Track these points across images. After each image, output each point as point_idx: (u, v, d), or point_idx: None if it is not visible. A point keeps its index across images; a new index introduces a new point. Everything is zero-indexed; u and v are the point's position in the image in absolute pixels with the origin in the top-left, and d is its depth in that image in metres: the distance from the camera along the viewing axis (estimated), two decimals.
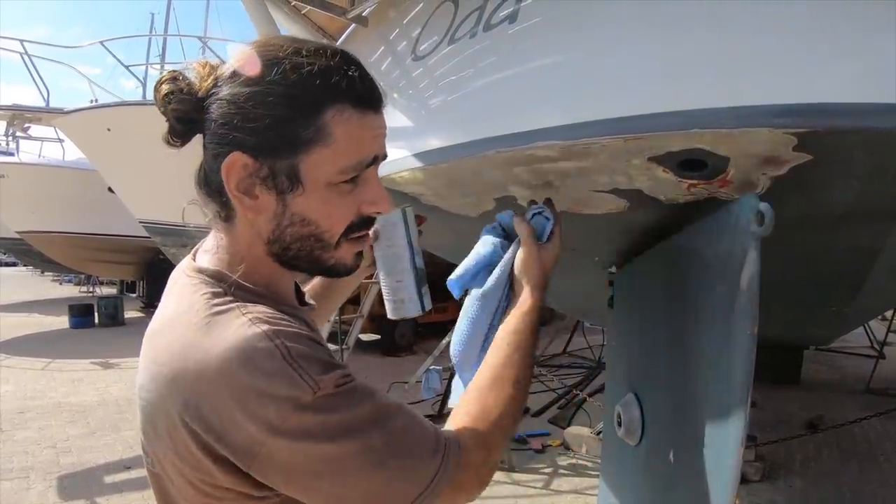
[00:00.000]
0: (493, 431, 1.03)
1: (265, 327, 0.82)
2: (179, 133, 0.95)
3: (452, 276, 1.49)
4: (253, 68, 0.88)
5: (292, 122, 0.87)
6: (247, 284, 0.93)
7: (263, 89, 0.87)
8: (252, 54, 0.89)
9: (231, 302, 0.88)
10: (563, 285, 4.26)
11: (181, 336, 0.86)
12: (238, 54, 0.92)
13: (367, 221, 0.99)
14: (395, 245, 1.34)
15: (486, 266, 1.46)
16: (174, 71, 0.96)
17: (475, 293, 1.45)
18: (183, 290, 0.94)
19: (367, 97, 0.92)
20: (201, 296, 0.90)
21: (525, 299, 1.27)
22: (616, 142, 1.73)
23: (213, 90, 0.90)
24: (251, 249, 0.96)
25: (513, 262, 1.38)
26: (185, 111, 0.93)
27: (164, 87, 0.94)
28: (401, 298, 1.36)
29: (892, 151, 1.62)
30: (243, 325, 0.83)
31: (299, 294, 1.14)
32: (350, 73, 0.89)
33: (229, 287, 0.91)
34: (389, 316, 1.42)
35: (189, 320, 0.87)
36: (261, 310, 0.87)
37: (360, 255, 1.02)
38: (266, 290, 0.96)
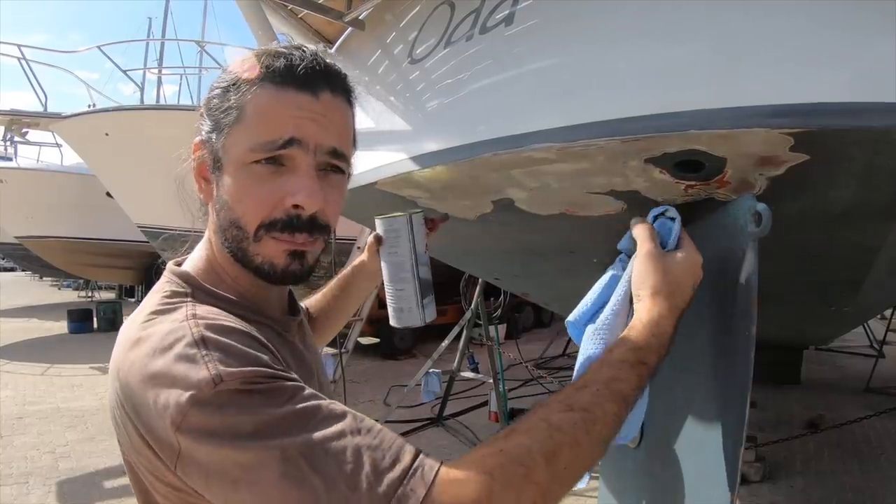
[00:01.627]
0: (536, 470, 0.74)
1: (195, 321, 0.80)
2: None
3: (570, 318, 1.33)
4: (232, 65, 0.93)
5: (221, 102, 0.89)
6: (212, 288, 0.92)
7: (222, 79, 0.92)
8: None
9: (186, 297, 0.89)
10: (562, 287, 4.27)
11: (129, 330, 0.86)
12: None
13: (299, 221, 0.89)
14: (398, 253, 1.31)
15: (606, 301, 1.25)
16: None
17: (589, 330, 1.25)
18: (155, 287, 0.95)
19: (288, 74, 0.86)
20: (161, 294, 0.90)
21: (641, 313, 1.06)
22: (613, 143, 1.73)
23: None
24: (217, 244, 0.96)
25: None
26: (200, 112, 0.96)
27: None
28: (401, 307, 1.33)
29: (889, 150, 1.62)
30: (178, 319, 0.81)
31: (291, 300, 1.11)
32: (280, 52, 0.88)
33: (191, 288, 0.91)
34: (391, 323, 1.38)
35: (142, 316, 0.87)
36: (207, 309, 0.85)
37: (295, 256, 0.91)
38: (236, 294, 0.94)
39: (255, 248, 0.90)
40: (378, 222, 1.36)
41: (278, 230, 0.88)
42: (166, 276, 0.95)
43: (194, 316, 0.82)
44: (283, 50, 0.88)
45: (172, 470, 0.76)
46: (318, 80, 0.88)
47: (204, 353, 0.75)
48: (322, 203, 0.89)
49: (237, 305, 0.91)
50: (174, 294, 0.90)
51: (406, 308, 1.32)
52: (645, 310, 1.07)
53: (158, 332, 0.80)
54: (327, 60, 0.91)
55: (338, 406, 0.77)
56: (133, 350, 0.81)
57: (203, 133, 0.92)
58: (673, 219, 1.29)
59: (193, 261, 0.98)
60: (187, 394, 0.72)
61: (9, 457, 5.76)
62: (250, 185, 0.87)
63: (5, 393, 8.15)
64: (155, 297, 0.91)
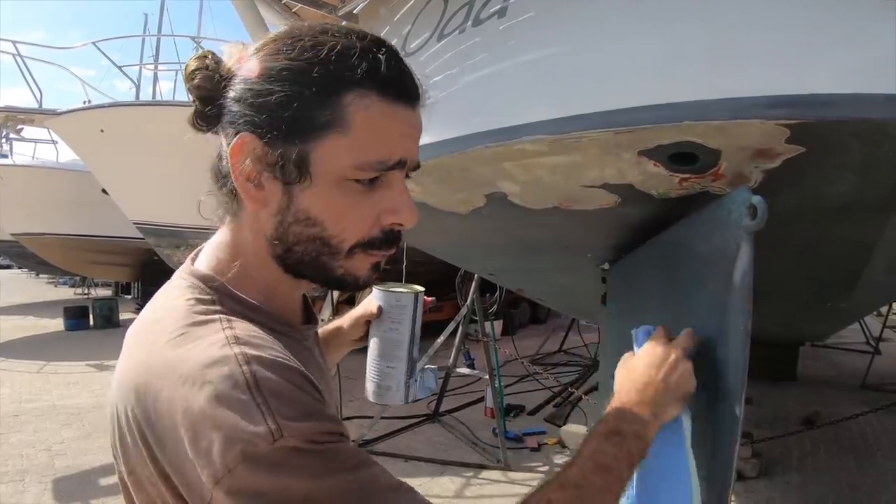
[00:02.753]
0: None
1: (240, 349, 0.72)
2: (203, 115, 0.84)
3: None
4: (274, 44, 0.80)
5: (306, 101, 0.76)
6: (238, 294, 0.84)
7: (279, 65, 0.78)
8: (278, 31, 0.83)
9: (215, 313, 0.79)
10: (557, 283, 4.26)
11: (153, 343, 0.78)
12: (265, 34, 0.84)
13: (392, 237, 0.84)
14: (399, 330, 1.25)
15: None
16: (206, 51, 0.86)
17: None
18: (171, 291, 0.86)
19: (396, 85, 0.79)
20: (185, 301, 0.82)
21: (599, 423, 1.06)
22: (605, 135, 1.72)
23: (237, 68, 0.82)
24: (254, 249, 0.86)
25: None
26: (206, 89, 0.82)
27: (191, 64, 0.84)
28: (388, 385, 1.28)
29: (887, 142, 1.61)
30: (218, 343, 0.73)
31: (307, 308, 1.02)
32: (378, 55, 0.78)
33: (218, 295, 0.83)
34: (370, 398, 1.33)
35: (166, 327, 0.78)
36: (245, 328, 0.77)
37: (376, 267, 0.87)
38: (262, 300, 0.86)
39: (342, 263, 0.83)
40: (381, 294, 1.29)
41: (376, 248, 0.84)
42: (186, 278, 0.87)
43: (236, 340, 0.73)
44: (373, 48, 0.78)
45: None
46: (414, 91, 0.82)
47: (259, 399, 0.67)
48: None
49: (261, 313, 0.84)
50: (199, 302, 0.82)
51: (394, 386, 1.28)
52: (605, 419, 1.08)
53: (196, 359, 0.71)
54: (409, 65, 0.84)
55: (391, 478, 0.73)
56: (164, 373, 0.73)
57: (258, 130, 0.79)
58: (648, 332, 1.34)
59: (213, 261, 0.89)
60: (237, 447, 0.65)
61: (5, 454, 5.73)
62: (351, 204, 0.80)
63: (1, 390, 8.12)
64: (177, 303, 0.82)
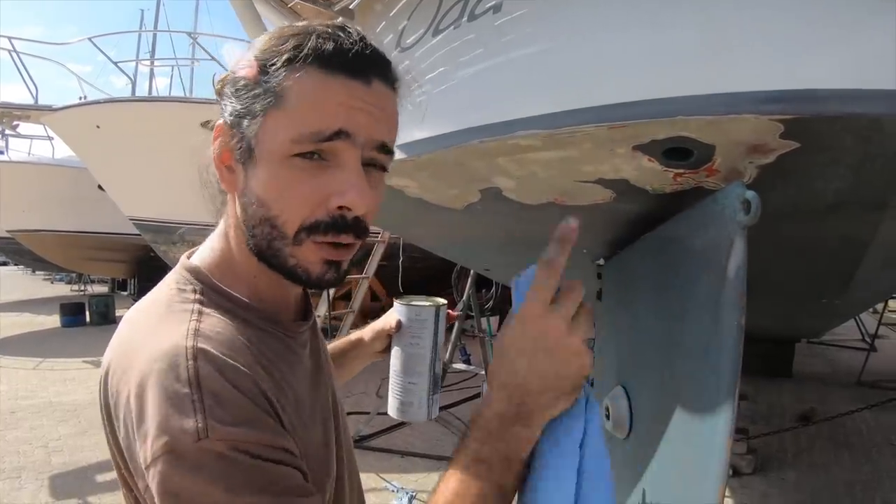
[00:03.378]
0: None
1: (193, 343, 0.72)
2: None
3: None
4: (257, 42, 0.82)
5: (255, 83, 0.78)
6: (225, 289, 0.84)
7: (246, 56, 0.81)
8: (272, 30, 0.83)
9: (192, 303, 0.80)
10: None
11: (128, 331, 0.81)
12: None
13: (341, 222, 0.79)
14: (420, 345, 1.21)
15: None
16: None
17: None
18: (162, 282, 0.88)
19: (338, 58, 0.76)
20: (168, 291, 0.84)
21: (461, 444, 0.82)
22: (600, 130, 1.72)
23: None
24: (236, 238, 0.86)
25: None
26: (217, 92, 0.85)
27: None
28: (410, 401, 1.23)
29: (881, 138, 1.61)
30: (177, 335, 0.73)
31: (306, 304, 1.00)
32: (327, 33, 0.77)
33: (201, 286, 0.83)
34: (391, 414, 1.27)
35: (147, 315, 0.81)
36: (213, 323, 0.77)
37: (332, 265, 0.82)
38: (248, 294, 0.85)
39: (292, 251, 0.80)
40: (402, 308, 1.24)
41: (321, 232, 0.79)
42: (177, 269, 0.88)
43: (196, 333, 0.74)
44: (327, 30, 0.78)
45: (141, 493, 0.72)
46: (370, 66, 0.79)
47: (196, 395, 0.67)
48: (369, 203, 0.79)
49: (245, 308, 0.84)
50: (181, 291, 0.83)
51: (415, 403, 1.22)
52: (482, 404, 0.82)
53: (156, 346, 0.72)
54: (375, 45, 0.81)
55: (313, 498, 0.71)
56: (127, 358, 0.75)
57: (227, 116, 0.81)
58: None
59: (206, 254, 0.89)
60: (164, 438, 0.65)
61: (1, 452, 5.72)
62: (290, 181, 0.77)
63: None
64: (162, 292, 0.84)
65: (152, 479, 0.66)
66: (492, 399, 0.79)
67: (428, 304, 1.23)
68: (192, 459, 0.64)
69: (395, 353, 1.24)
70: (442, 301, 1.26)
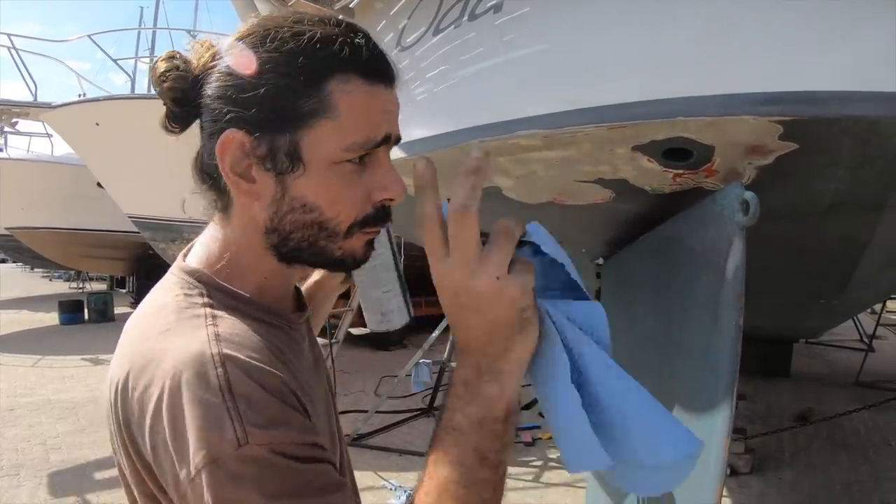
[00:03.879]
0: None
1: (220, 349, 0.72)
2: (177, 116, 0.84)
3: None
4: (251, 37, 0.79)
5: (292, 92, 0.77)
6: (229, 287, 0.84)
7: (262, 57, 0.77)
8: (251, 23, 0.81)
9: (202, 307, 0.80)
10: None
11: (139, 338, 0.79)
12: (239, 27, 0.82)
13: (384, 213, 0.84)
14: (383, 255, 1.25)
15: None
16: (172, 51, 0.85)
17: None
18: (163, 287, 0.86)
19: (375, 68, 0.80)
20: (174, 296, 0.82)
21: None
22: (600, 130, 1.72)
23: (212, 65, 0.81)
24: (248, 243, 0.85)
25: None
26: (181, 90, 0.82)
27: (161, 66, 0.84)
28: (390, 309, 1.29)
29: (879, 140, 1.62)
30: (198, 340, 0.74)
31: (299, 297, 1.02)
32: (356, 40, 0.78)
33: (206, 288, 0.83)
34: (375, 329, 1.33)
35: (153, 322, 0.80)
36: (229, 325, 0.78)
37: (370, 243, 0.88)
38: (255, 292, 0.85)
39: (340, 244, 0.83)
40: None
41: (371, 224, 0.83)
42: (176, 273, 0.87)
43: (217, 338, 0.74)
44: (348, 33, 0.78)
45: None
46: (390, 70, 0.82)
47: (230, 403, 0.67)
48: None
49: (252, 304, 0.84)
50: (187, 297, 0.82)
51: (395, 308, 1.29)
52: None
53: (179, 354, 0.72)
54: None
55: (349, 496, 0.71)
56: (148, 368, 0.74)
57: (244, 125, 0.78)
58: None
59: (204, 256, 0.88)
60: (203, 451, 0.66)
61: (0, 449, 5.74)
62: (345, 185, 0.80)
63: None
64: (167, 299, 0.83)
65: (198, 493, 0.66)
66: (457, 366, 0.76)
67: None
68: (235, 468, 0.65)
69: (360, 272, 1.23)
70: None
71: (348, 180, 0.80)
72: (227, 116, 0.78)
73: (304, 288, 1.34)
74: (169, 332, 0.77)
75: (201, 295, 0.82)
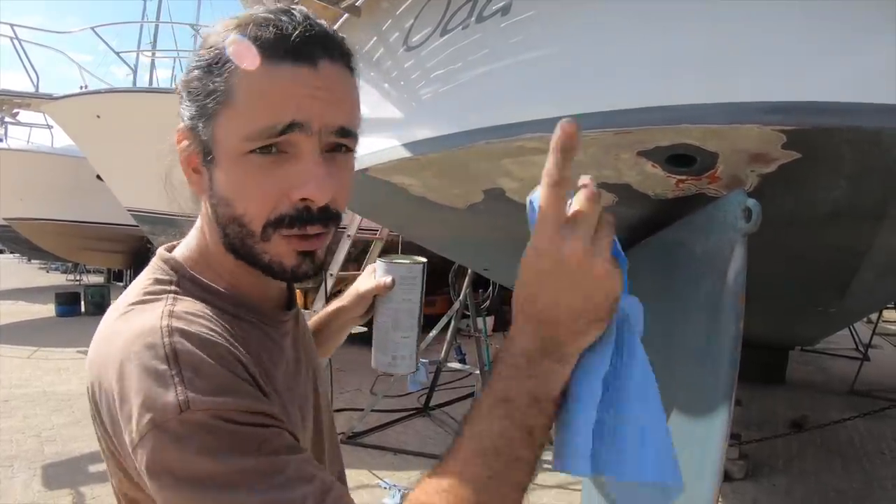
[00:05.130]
0: None
1: (168, 322, 0.72)
2: None
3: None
4: (204, 39, 0.81)
5: (204, 84, 0.76)
6: (199, 278, 0.84)
7: (197, 53, 0.79)
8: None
9: (168, 292, 0.80)
10: None
11: (110, 321, 0.80)
12: None
13: (307, 215, 0.78)
14: (412, 300, 1.25)
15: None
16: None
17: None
18: (144, 272, 0.87)
19: (279, 44, 0.73)
20: (146, 280, 0.84)
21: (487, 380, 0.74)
22: (605, 135, 1.73)
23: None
24: (211, 235, 0.85)
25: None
26: (178, 93, 0.84)
27: None
28: (402, 355, 1.27)
29: (880, 151, 1.63)
30: (153, 317, 0.73)
31: (290, 297, 1.00)
32: (266, 21, 0.74)
33: (177, 276, 0.84)
34: (381, 370, 1.31)
35: (124, 304, 0.81)
36: (188, 306, 0.78)
37: (306, 256, 0.81)
38: (226, 286, 0.85)
39: (262, 247, 0.79)
40: (392, 267, 1.27)
41: (286, 226, 0.77)
42: (154, 261, 0.88)
43: (171, 314, 0.74)
44: (269, 16, 0.75)
45: (133, 479, 0.74)
46: (315, 48, 0.75)
47: (174, 370, 0.67)
48: (333, 192, 0.77)
49: (223, 297, 0.84)
50: (157, 282, 0.83)
51: (407, 355, 1.28)
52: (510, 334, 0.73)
53: (132, 330, 0.73)
54: (321, 23, 0.78)
55: (309, 468, 0.69)
56: (105, 346, 0.75)
57: (186, 119, 0.80)
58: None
59: (184, 248, 0.90)
60: (148, 416, 0.66)
61: None
62: (249, 179, 0.76)
63: None
64: (139, 283, 0.84)
65: (141, 459, 0.66)
66: (516, 334, 0.71)
67: (414, 261, 1.29)
68: (177, 432, 0.65)
69: (386, 311, 1.27)
70: (423, 259, 1.29)
71: (257, 174, 0.76)
72: (181, 114, 0.81)
73: (321, 314, 1.37)
74: (130, 313, 0.78)
75: (170, 282, 0.83)
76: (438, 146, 2.23)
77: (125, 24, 16.48)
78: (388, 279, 1.27)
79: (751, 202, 1.45)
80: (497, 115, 2.01)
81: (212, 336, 0.73)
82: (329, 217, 0.80)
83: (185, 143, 0.81)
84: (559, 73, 1.90)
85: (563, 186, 0.66)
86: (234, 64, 0.74)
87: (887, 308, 9.19)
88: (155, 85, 13.17)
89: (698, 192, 1.87)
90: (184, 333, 0.71)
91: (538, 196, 0.70)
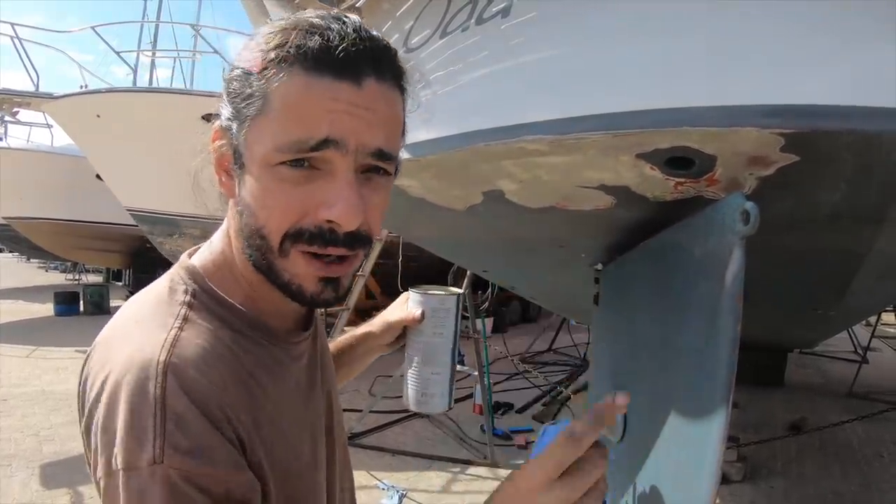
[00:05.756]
0: None
1: (168, 358, 0.70)
2: None
3: None
4: (248, 41, 0.78)
5: (243, 87, 0.74)
6: (216, 291, 0.81)
7: (241, 54, 0.77)
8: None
9: (182, 305, 0.78)
10: (549, 282, 4.27)
11: (119, 323, 0.79)
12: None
13: (328, 236, 0.74)
14: (443, 334, 1.18)
15: None
16: None
17: None
18: (163, 277, 0.85)
19: (322, 56, 0.70)
20: (161, 288, 0.82)
21: None
22: (604, 137, 1.74)
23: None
24: (236, 244, 0.82)
25: None
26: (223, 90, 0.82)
27: None
28: (432, 392, 1.19)
29: (878, 154, 1.63)
30: (155, 344, 0.71)
31: (309, 316, 0.96)
32: (313, 28, 0.71)
33: (195, 287, 0.81)
34: (411, 407, 1.23)
35: (135, 310, 0.80)
36: (198, 332, 0.75)
37: (328, 283, 0.77)
38: (243, 300, 0.82)
39: (282, 264, 0.75)
40: (425, 298, 1.20)
41: (305, 241, 0.73)
42: (176, 267, 0.85)
43: (174, 344, 0.72)
44: (319, 22, 0.71)
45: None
46: (362, 63, 0.72)
47: (158, 418, 0.66)
48: (362, 217, 0.73)
49: (238, 315, 0.81)
50: (172, 292, 0.80)
51: (438, 393, 1.19)
52: None
53: (133, 349, 0.71)
54: (373, 34, 0.74)
55: None
56: (108, 350, 0.74)
57: (223, 120, 0.77)
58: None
59: (206, 255, 0.86)
60: (121, 455, 0.66)
61: None
62: (276, 191, 0.73)
63: None
64: (156, 289, 0.82)
65: (104, 492, 0.67)
66: None
67: (448, 293, 1.21)
68: (142, 482, 0.64)
69: (416, 344, 1.20)
70: (459, 290, 1.24)
71: (285, 187, 0.72)
72: (220, 108, 0.79)
73: (348, 336, 1.31)
74: (138, 323, 0.77)
75: (185, 293, 0.80)
76: (438, 148, 2.23)
77: (126, 24, 16.45)
78: (419, 312, 1.20)
79: (749, 205, 1.45)
80: (497, 116, 2.01)
81: (209, 379, 0.71)
82: (358, 240, 0.76)
83: (220, 142, 0.79)
84: (559, 75, 1.90)
85: (577, 444, 0.68)
86: (273, 70, 0.71)
87: (886, 311, 9.19)
88: (155, 85, 13.16)
89: (697, 194, 1.87)
90: (179, 376, 0.69)
91: (551, 431, 0.72)
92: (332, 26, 0.71)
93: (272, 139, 0.71)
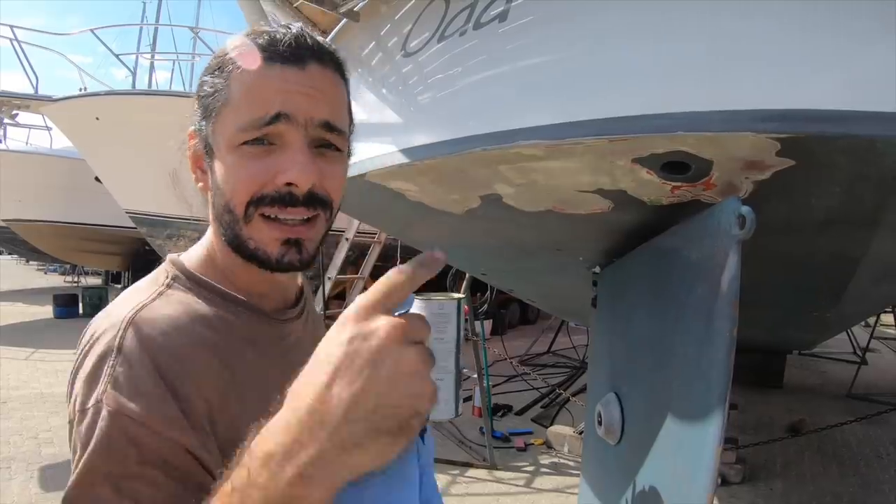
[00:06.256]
0: None
1: (133, 314, 0.77)
2: None
3: None
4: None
5: (210, 86, 0.86)
6: (195, 273, 0.89)
7: (208, 65, 0.89)
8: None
9: (161, 286, 0.85)
10: (548, 285, 4.28)
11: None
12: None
13: (287, 197, 0.82)
14: (445, 339, 1.14)
15: None
16: None
17: None
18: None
19: (272, 47, 0.82)
20: (145, 278, 0.90)
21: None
22: (601, 142, 1.74)
23: None
24: (215, 234, 0.90)
25: None
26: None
27: None
28: (438, 399, 1.21)
29: (874, 159, 1.64)
30: (130, 305, 0.79)
31: (299, 297, 1.02)
32: (264, 32, 0.83)
33: (175, 272, 0.88)
34: None
35: (118, 297, 0.86)
36: (167, 303, 0.82)
37: (292, 245, 0.84)
38: (224, 282, 0.89)
39: (247, 232, 0.83)
40: (424, 304, 1.15)
41: (267, 204, 0.81)
42: (164, 262, 0.93)
43: (141, 307, 0.79)
44: (269, 28, 0.84)
45: None
46: (305, 53, 0.83)
47: (111, 362, 0.72)
48: (317, 177, 0.82)
49: (219, 293, 0.87)
50: (154, 280, 0.88)
51: (443, 400, 1.21)
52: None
53: (104, 320, 0.79)
54: (315, 36, 0.86)
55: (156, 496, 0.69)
56: (88, 328, 0.81)
57: (195, 122, 0.89)
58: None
59: (192, 251, 0.95)
60: (78, 399, 0.73)
61: None
62: (239, 166, 0.82)
63: None
64: (143, 279, 0.90)
65: (71, 435, 0.73)
66: (268, 426, 0.58)
67: (448, 298, 1.22)
68: (87, 422, 0.70)
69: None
70: (461, 295, 1.25)
71: (247, 161, 0.82)
72: (193, 115, 0.89)
73: None
74: (120, 301, 0.83)
75: (167, 276, 0.88)
76: (436, 152, 2.24)
77: (125, 27, 16.45)
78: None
79: (745, 209, 1.46)
80: (494, 121, 2.01)
81: (164, 339, 0.76)
82: (316, 200, 0.84)
83: (193, 142, 0.90)
84: (556, 80, 1.91)
85: (400, 279, 0.59)
86: (233, 66, 0.83)
87: (885, 312, 9.20)
88: (154, 87, 13.16)
89: (693, 198, 1.88)
90: (139, 330, 0.75)
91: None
92: (280, 30, 0.83)
93: (234, 122, 0.82)
